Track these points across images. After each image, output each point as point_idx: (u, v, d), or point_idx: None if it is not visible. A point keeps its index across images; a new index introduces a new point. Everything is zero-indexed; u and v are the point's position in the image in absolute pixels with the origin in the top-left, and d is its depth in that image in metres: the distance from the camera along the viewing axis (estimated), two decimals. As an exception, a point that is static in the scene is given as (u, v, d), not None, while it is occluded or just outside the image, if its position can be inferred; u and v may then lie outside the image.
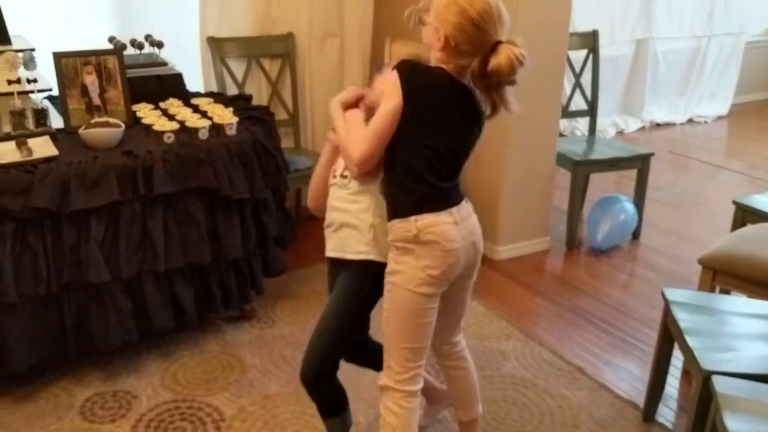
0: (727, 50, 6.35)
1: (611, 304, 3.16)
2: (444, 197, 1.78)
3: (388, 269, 1.80)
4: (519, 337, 2.84)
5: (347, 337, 1.97)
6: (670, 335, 2.27)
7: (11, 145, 2.37)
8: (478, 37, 1.66)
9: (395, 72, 1.70)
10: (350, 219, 1.94)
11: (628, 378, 2.65)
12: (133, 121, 2.67)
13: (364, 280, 1.93)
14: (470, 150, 1.82)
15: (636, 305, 3.16)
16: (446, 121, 1.75)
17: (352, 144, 1.75)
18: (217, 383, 2.53)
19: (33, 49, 2.61)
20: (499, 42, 1.67)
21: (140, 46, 2.94)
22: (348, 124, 1.81)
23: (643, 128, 6.08)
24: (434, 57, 1.74)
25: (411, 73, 1.71)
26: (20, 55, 2.53)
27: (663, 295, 2.30)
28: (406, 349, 1.80)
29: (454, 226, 1.77)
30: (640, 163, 3.75)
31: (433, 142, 1.73)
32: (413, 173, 1.73)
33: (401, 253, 1.77)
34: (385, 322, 1.82)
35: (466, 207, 1.85)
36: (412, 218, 1.73)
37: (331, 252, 2.00)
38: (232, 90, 3.47)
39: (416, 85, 1.71)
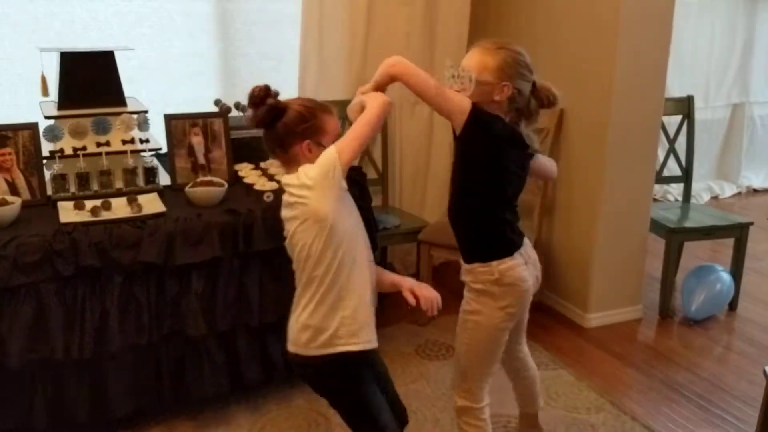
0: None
1: (707, 378, 3.04)
2: (516, 241, 2.01)
3: (468, 308, 2.02)
4: (610, 410, 2.75)
5: None
6: (773, 416, 2.16)
7: (123, 200, 2.52)
8: (530, 77, 1.95)
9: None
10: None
11: (727, 459, 2.53)
12: (235, 180, 2.80)
13: None
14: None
15: (733, 380, 3.03)
16: (517, 170, 1.99)
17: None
18: (304, 440, 2.56)
19: (146, 112, 2.78)
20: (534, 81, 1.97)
21: (243, 109, 3.08)
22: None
23: (739, 194, 5.88)
24: (490, 109, 1.92)
25: (490, 121, 1.91)
26: (135, 117, 2.70)
27: (765, 373, 2.20)
28: (487, 374, 2.09)
29: (525, 266, 2.00)
30: (738, 232, 3.63)
31: (512, 192, 2.00)
32: (496, 223, 1.97)
33: (480, 295, 1.99)
34: (466, 353, 2.06)
35: (527, 242, 2.05)
36: (494, 263, 1.95)
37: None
38: (326, 150, 3.58)
39: (498, 133, 1.92)
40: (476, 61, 1.93)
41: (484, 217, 1.98)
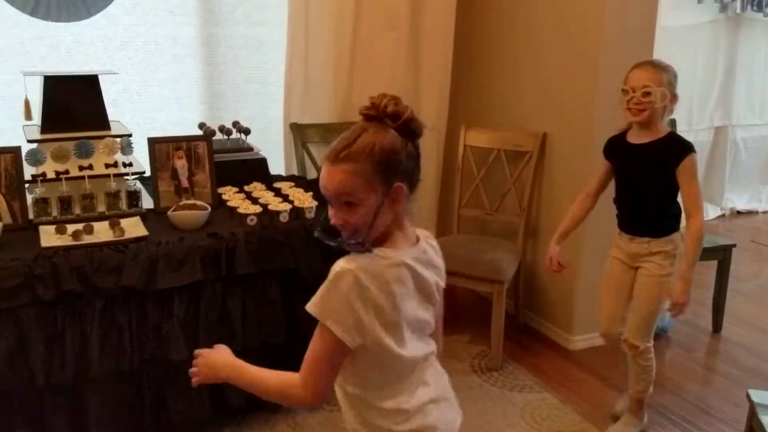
0: (812, 138, 6.20)
1: (692, 401, 3.04)
2: None
3: (664, 272, 2.53)
4: (595, 433, 2.75)
5: None
6: (756, 439, 2.17)
7: (105, 224, 2.50)
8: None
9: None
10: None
11: (711, 482, 2.52)
12: (219, 204, 2.79)
13: None
14: None
15: (718, 403, 3.02)
16: None
17: None
18: (287, 466, 2.53)
19: (130, 135, 2.78)
20: None
21: (228, 132, 3.10)
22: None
23: (723, 216, 5.93)
24: (655, 119, 2.47)
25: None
26: (118, 140, 2.69)
27: (748, 396, 2.21)
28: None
29: None
30: (721, 254, 3.65)
31: None
32: (675, 208, 2.61)
33: (675, 258, 2.54)
34: (657, 305, 2.59)
35: None
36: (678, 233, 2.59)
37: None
38: (311, 172, 3.59)
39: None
40: (654, 77, 2.43)
41: (671, 206, 2.55)
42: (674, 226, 2.56)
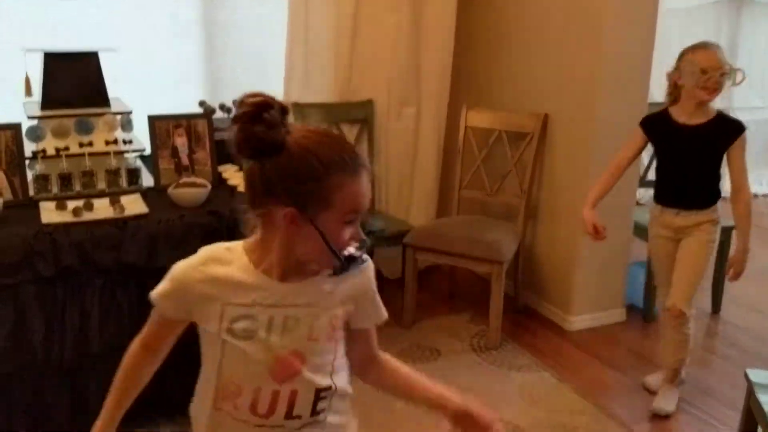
0: (815, 120, 6.19)
1: (690, 382, 3.04)
2: None
3: (710, 237, 2.68)
4: (592, 413, 2.76)
5: None
6: (753, 418, 2.18)
7: (105, 201, 2.50)
8: None
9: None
10: None
11: (708, 461, 2.54)
12: (219, 182, 2.79)
13: None
14: None
15: (717, 384, 3.04)
16: None
17: None
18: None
19: (130, 112, 2.77)
20: None
21: (228, 110, 3.08)
22: None
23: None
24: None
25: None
26: (118, 117, 2.69)
27: (746, 376, 2.22)
28: None
29: None
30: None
31: None
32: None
33: (718, 225, 2.70)
34: (703, 270, 2.71)
35: None
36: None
37: None
38: (311, 152, 3.58)
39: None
40: (724, 59, 2.58)
41: (717, 180, 2.67)
42: (717, 197, 2.71)
